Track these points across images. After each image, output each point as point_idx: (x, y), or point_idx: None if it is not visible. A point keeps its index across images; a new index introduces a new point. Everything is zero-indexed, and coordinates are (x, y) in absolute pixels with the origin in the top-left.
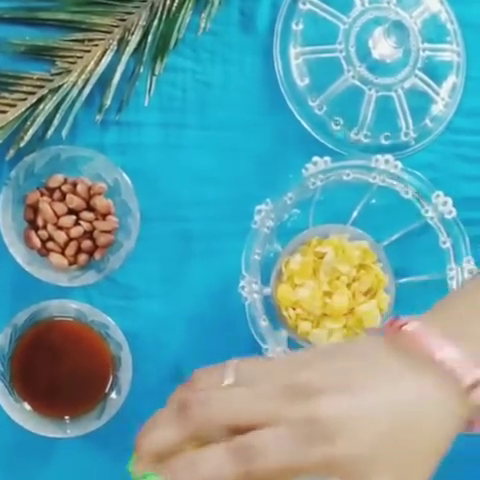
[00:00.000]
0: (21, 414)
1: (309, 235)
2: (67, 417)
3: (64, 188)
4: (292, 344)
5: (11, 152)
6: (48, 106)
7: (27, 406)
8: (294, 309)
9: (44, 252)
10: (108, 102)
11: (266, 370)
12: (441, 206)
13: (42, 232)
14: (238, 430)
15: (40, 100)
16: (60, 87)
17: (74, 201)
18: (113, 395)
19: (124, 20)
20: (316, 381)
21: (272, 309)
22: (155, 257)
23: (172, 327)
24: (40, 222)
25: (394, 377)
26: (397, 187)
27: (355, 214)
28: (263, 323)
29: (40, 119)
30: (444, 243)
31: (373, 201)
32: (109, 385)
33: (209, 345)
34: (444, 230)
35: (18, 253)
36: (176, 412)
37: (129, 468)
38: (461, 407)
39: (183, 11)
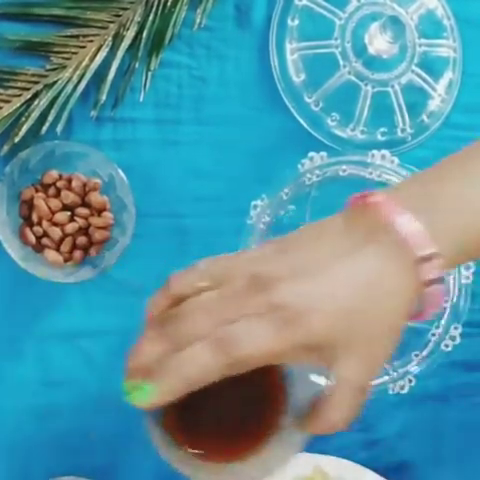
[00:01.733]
0: None
1: None
2: None
3: (59, 184)
4: None
5: (5, 148)
6: (43, 102)
7: None
8: None
9: (39, 248)
10: (103, 98)
11: (230, 269)
12: None
13: (37, 228)
14: None
15: (35, 96)
16: (55, 83)
17: (69, 197)
18: None
19: (119, 16)
20: (274, 272)
21: None
22: (151, 253)
23: None
24: (35, 218)
25: (348, 252)
26: (394, 183)
27: None
28: None
29: (35, 115)
30: None
31: None
32: None
33: None
34: None
35: (13, 249)
36: (159, 329)
37: (123, 388)
38: (412, 279)
39: (178, 6)
